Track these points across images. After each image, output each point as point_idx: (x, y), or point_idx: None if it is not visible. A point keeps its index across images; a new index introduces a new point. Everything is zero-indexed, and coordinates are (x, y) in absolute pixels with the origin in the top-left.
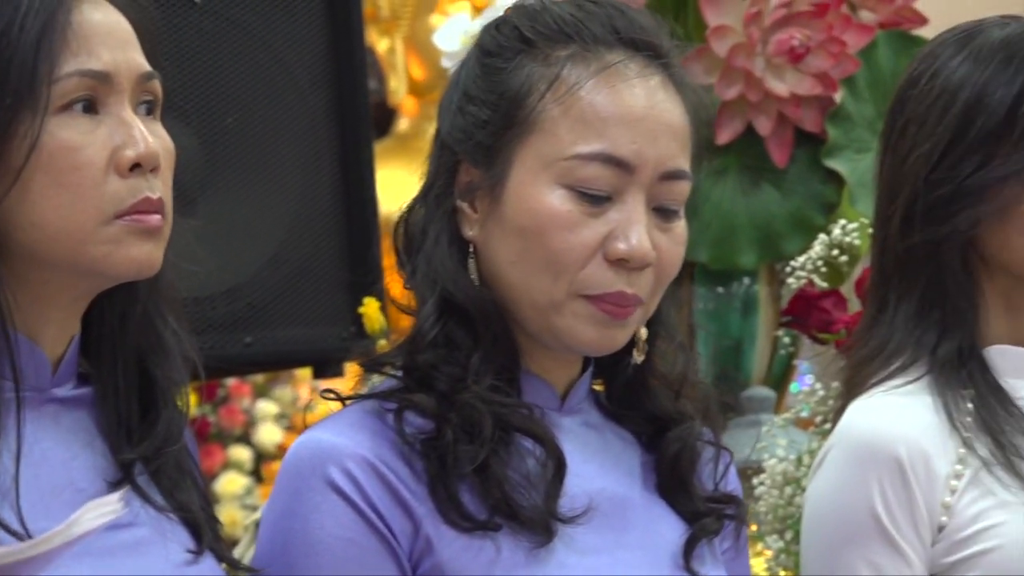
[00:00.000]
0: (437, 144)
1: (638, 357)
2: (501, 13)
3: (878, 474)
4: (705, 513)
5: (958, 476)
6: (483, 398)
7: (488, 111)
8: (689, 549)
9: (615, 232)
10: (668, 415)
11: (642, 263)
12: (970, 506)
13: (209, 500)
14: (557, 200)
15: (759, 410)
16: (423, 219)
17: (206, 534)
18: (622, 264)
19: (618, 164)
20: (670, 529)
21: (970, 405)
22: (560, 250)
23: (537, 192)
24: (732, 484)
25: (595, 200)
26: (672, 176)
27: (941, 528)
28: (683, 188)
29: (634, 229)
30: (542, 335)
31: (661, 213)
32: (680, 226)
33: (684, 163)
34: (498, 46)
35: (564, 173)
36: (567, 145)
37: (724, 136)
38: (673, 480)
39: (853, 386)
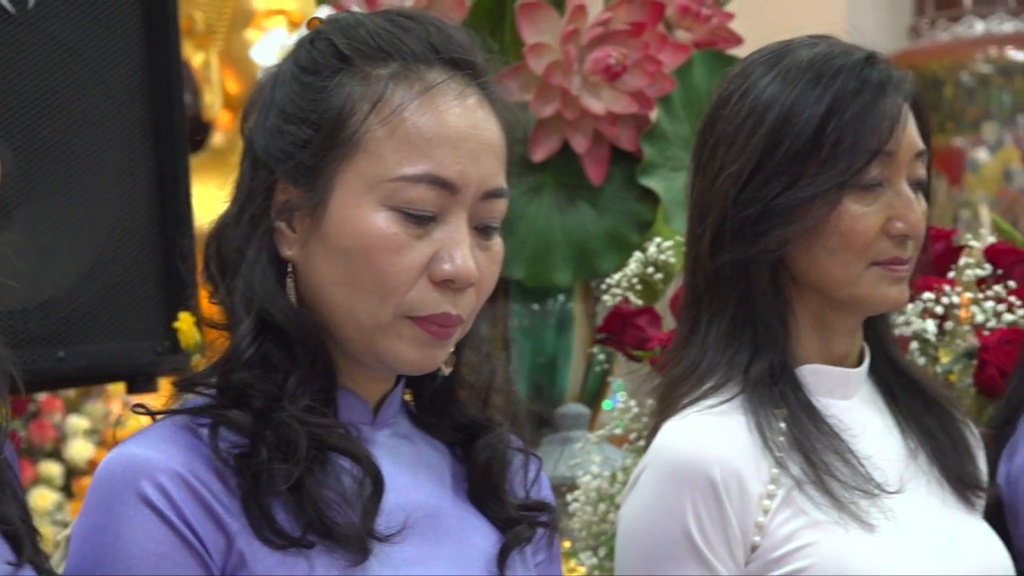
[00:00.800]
0: (249, 161)
1: (446, 369)
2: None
3: (691, 494)
4: (518, 520)
5: (771, 496)
6: (299, 418)
7: (309, 131)
8: (503, 557)
9: (440, 253)
10: (476, 423)
11: (466, 283)
12: (783, 525)
13: (29, 512)
14: (383, 222)
15: (573, 427)
16: (239, 238)
17: (26, 547)
18: (447, 285)
19: (443, 185)
20: (483, 538)
21: (782, 424)
22: (387, 273)
23: (362, 213)
24: (544, 491)
25: (420, 221)
26: (493, 195)
27: (754, 548)
28: (503, 206)
29: (459, 250)
30: (363, 355)
31: (481, 231)
32: (498, 243)
33: (503, 181)
34: (314, 63)
35: (389, 195)
36: (392, 167)
37: (540, 154)
38: (485, 488)
39: (666, 405)
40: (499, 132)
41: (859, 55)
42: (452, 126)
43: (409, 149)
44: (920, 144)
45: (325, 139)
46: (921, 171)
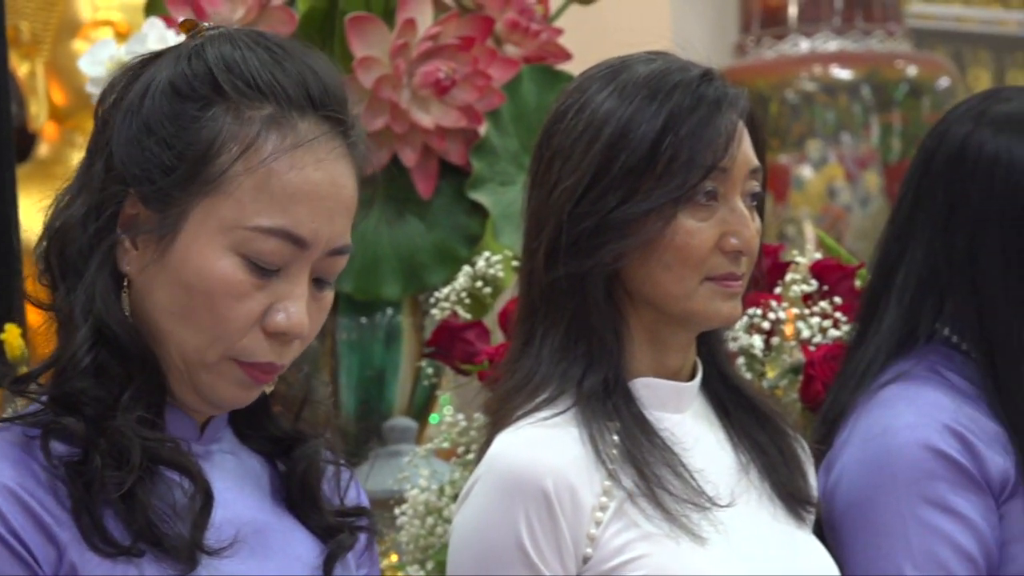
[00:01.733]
0: (103, 162)
1: (267, 388)
2: (146, 41)
3: (524, 506)
4: (338, 528)
5: (603, 508)
6: (132, 428)
7: (173, 159)
8: (328, 566)
9: (277, 305)
10: (290, 436)
11: (296, 337)
12: (615, 537)
13: None
14: (229, 267)
15: (401, 440)
16: (83, 243)
17: None
18: (278, 336)
19: (295, 242)
20: (307, 549)
21: (615, 437)
22: (225, 317)
23: (211, 254)
24: (360, 498)
25: (265, 272)
26: (339, 252)
27: (586, 559)
28: (344, 261)
29: (296, 305)
30: (180, 384)
31: (317, 283)
32: (329, 296)
33: (349, 237)
34: (190, 87)
35: (241, 242)
36: (250, 215)
37: (368, 167)
38: (303, 498)
39: (500, 418)
40: (354, 188)
41: (695, 72)
42: (315, 184)
43: (269, 201)
44: (755, 161)
45: (188, 172)
46: (756, 187)
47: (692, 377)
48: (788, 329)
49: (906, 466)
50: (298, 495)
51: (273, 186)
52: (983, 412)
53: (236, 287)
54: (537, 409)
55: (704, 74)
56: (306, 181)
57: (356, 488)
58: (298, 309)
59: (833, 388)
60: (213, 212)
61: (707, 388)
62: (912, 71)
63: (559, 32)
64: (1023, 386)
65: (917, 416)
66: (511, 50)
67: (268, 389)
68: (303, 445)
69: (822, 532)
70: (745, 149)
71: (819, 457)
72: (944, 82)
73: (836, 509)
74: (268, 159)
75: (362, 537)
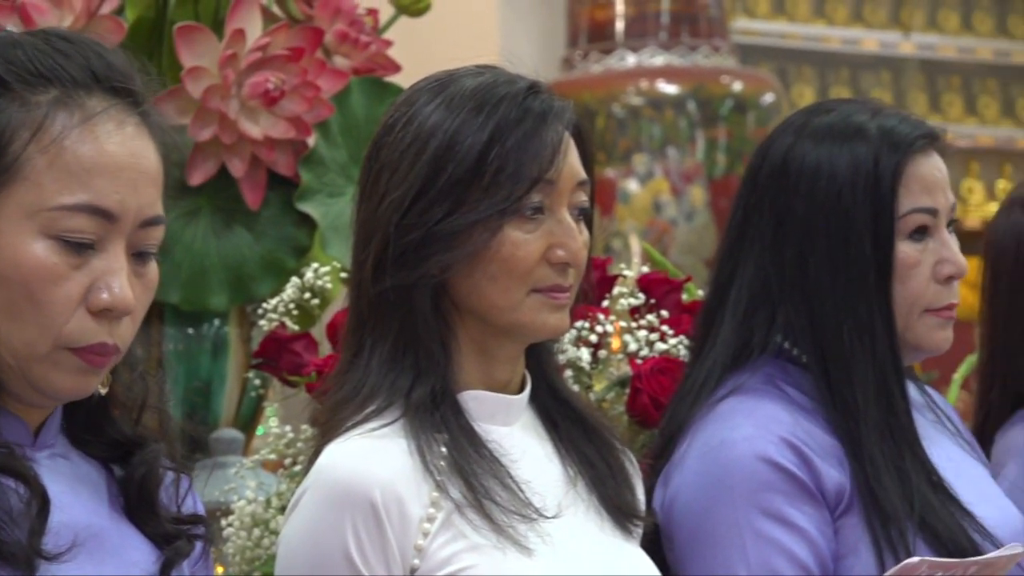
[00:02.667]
0: None
1: (102, 389)
2: None
3: (352, 517)
4: (175, 535)
5: (431, 519)
6: None
7: None
8: (165, 573)
9: (98, 283)
10: (130, 440)
11: (124, 312)
12: (442, 549)
13: None
14: (41, 252)
15: (228, 452)
16: None
17: None
18: (105, 314)
19: (102, 215)
20: (143, 555)
21: (443, 449)
22: (45, 303)
23: (21, 243)
24: (197, 506)
25: (79, 250)
26: (151, 223)
27: (414, 571)
28: (160, 232)
29: (116, 279)
30: (15, 382)
31: (138, 257)
32: (153, 269)
33: (160, 208)
34: None
35: (48, 224)
36: (52, 195)
37: (197, 177)
38: (141, 504)
39: (328, 429)
40: (157, 159)
41: (522, 84)
42: (111, 155)
43: (68, 178)
44: (582, 173)
45: None
46: (583, 200)
47: (521, 389)
48: (615, 342)
49: (743, 478)
50: (136, 501)
51: (69, 163)
52: (819, 425)
53: (52, 271)
54: (365, 420)
55: (531, 87)
56: (102, 153)
57: (193, 496)
58: (120, 283)
59: (671, 403)
60: (15, 200)
61: (536, 401)
62: (737, 86)
63: (388, 44)
64: (856, 393)
65: (754, 428)
66: (340, 62)
67: (103, 390)
68: (142, 450)
69: (653, 545)
70: (572, 161)
71: (657, 471)
72: (769, 98)
73: (674, 521)
74: (59, 137)
75: (198, 545)
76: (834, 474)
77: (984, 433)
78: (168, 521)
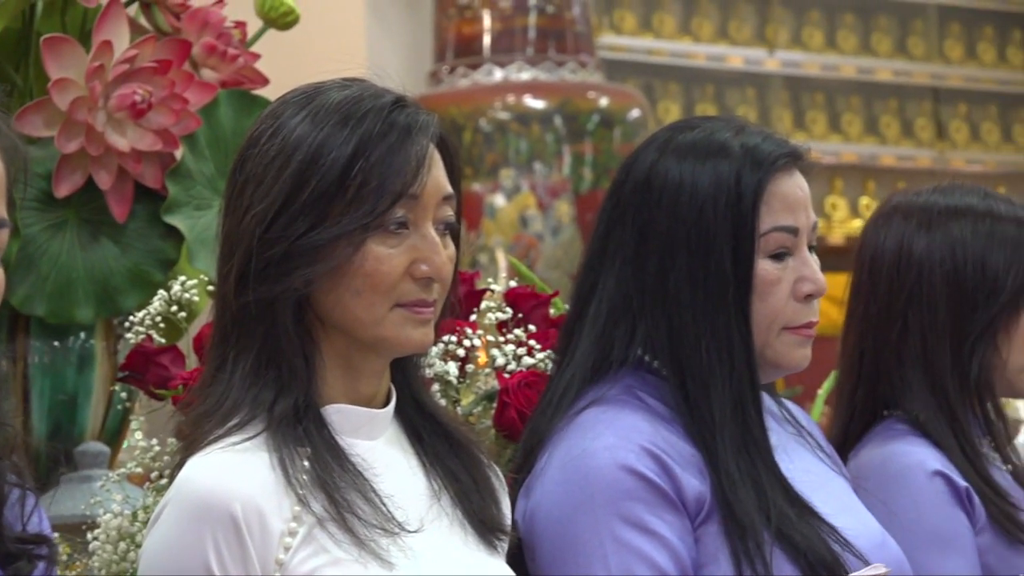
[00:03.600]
0: None
1: None
2: None
3: (213, 531)
4: (17, 555)
5: (292, 533)
6: None
7: None
8: None
9: None
10: None
11: None
12: (304, 563)
13: None
14: None
15: (93, 465)
16: None
17: None
18: None
19: None
20: None
21: (306, 463)
22: None
23: None
24: (43, 524)
25: None
26: None
27: None
28: (5, 236)
29: None
30: None
31: None
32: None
33: (4, 211)
34: None
35: None
36: None
37: (63, 189)
38: None
39: (191, 443)
40: (2, 166)
41: (388, 98)
42: None
43: None
44: (447, 188)
45: None
46: (449, 214)
47: (386, 403)
48: (482, 356)
49: (604, 487)
50: None
51: None
52: (679, 435)
53: None
54: (228, 434)
55: (396, 101)
56: None
57: (39, 514)
58: None
59: (532, 417)
60: None
61: (401, 415)
62: (604, 102)
63: (256, 57)
64: (713, 407)
65: (615, 438)
66: (208, 74)
67: None
68: None
69: (518, 559)
70: (437, 176)
71: (519, 484)
72: (635, 113)
73: (536, 532)
74: None
75: (41, 565)
76: (695, 483)
77: (848, 436)
78: (11, 540)
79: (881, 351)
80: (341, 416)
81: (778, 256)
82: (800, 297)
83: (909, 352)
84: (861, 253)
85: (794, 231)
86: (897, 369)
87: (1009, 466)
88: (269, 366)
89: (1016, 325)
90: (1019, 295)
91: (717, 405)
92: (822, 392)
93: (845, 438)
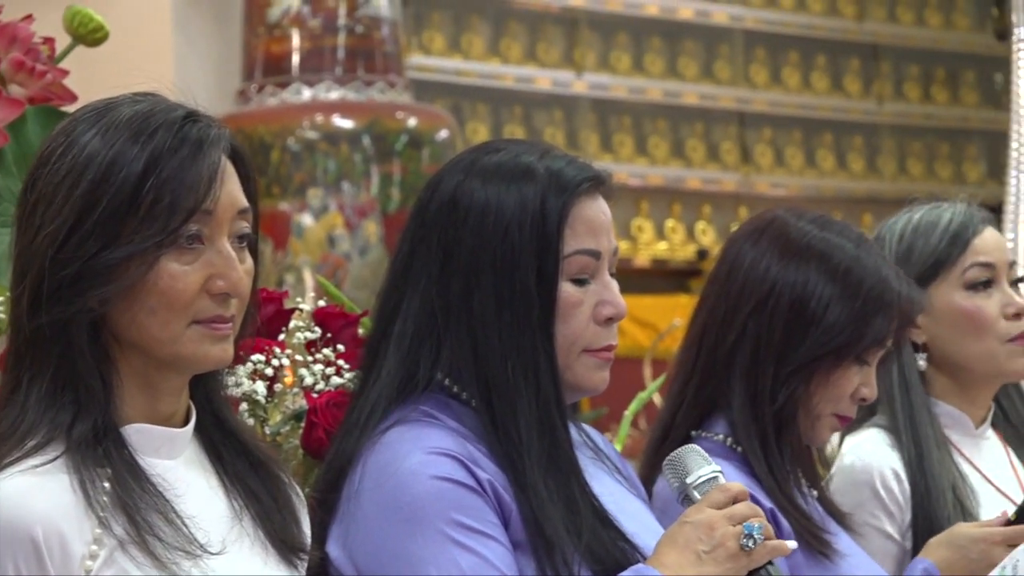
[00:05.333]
0: None
1: None
2: None
3: (13, 554)
4: None
5: (93, 556)
6: None
7: None
8: None
9: None
10: None
11: None
12: None
13: None
14: None
15: None
16: None
17: None
18: None
19: None
20: None
21: (107, 484)
22: None
23: None
24: None
25: None
26: None
27: None
28: None
29: None
30: None
31: None
32: None
33: None
34: None
35: None
36: None
37: None
38: None
39: None
40: None
41: (179, 112)
42: None
43: None
44: (242, 201)
45: None
46: (245, 227)
47: (186, 422)
48: (288, 376)
49: (429, 502)
50: None
51: None
52: (484, 455)
53: None
54: (26, 456)
55: (188, 115)
56: None
57: None
58: None
59: (337, 437)
60: None
61: (201, 433)
62: (412, 122)
63: (64, 73)
64: (520, 427)
65: (423, 453)
66: (16, 90)
67: None
68: None
69: None
70: (231, 190)
71: (328, 506)
72: (443, 134)
73: (360, 557)
74: None
75: None
76: (505, 497)
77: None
78: None
79: (717, 350)
80: (141, 436)
81: (580, 280)
82: (600, 320)
83: (739, 358)
84: (724, 257)
85: (596, 255)
86: (726, 371)
87: (815, 491)
88: (66, 388)
89: (834, 376)
90: (845, 350)
91: (524, 425)
92: (628, 413)
93: (664, 438)
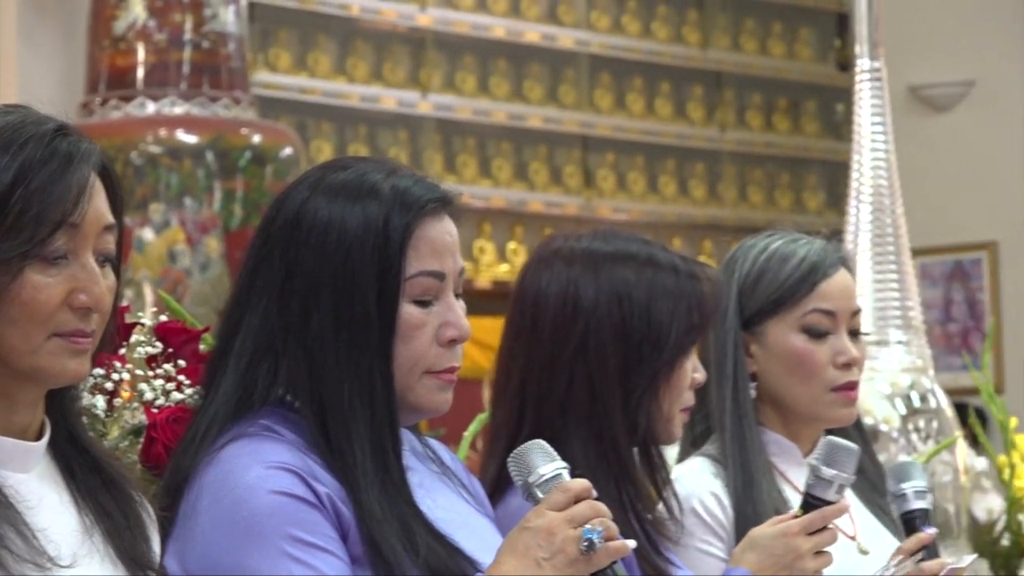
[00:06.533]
0: None
1: None
2: None
3: None
4: None
5: None
6: None
7: None
8: None
9: None
10: None
11: None
12: None
13: None
14: None
15: None
16: None
17: None
18: None
19: None
20: None
21: None
22: None
23: None
24: None
25: None
26: None
27: None
28: None
29: None
30: None
31: None
32: None
33: None
34: None
35: None
36: None
37: None
38: None
39: None
40: None
41: (50, 125)
42: None
43: None
44: (108, 217)
45: None
46: (110, 245)
47: (40, 435)
48: (126, 390)
49: (266, 516)
50: None
51: None
52: (323, 468)
53: None
54: None
55: (59, 128)
56: None
57: None
58: None
59: (176, 453)
60: None
61: (55, 448)
62: (256, 139)
63: None
64: (353, 449)
65: (261, 468)
66: None
67: None
68: None
69: None
70: (98, 205)
71: (166, 523)
72: (288, 151)
73: (198, 571)
74: None
75: None
76: (344, 510)
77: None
78: None
79: (545, 401)
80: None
81: (423, 301)
82: (444, 342)
83: (575, 404)
84: (521, 298)
85: (441, 276)
86: (560, 419)
87: (650, 515)
88: None
89: (676, 376)
90: (681, 348)
91: (358, 446)
92: (468, 434)
93: (498, 483)
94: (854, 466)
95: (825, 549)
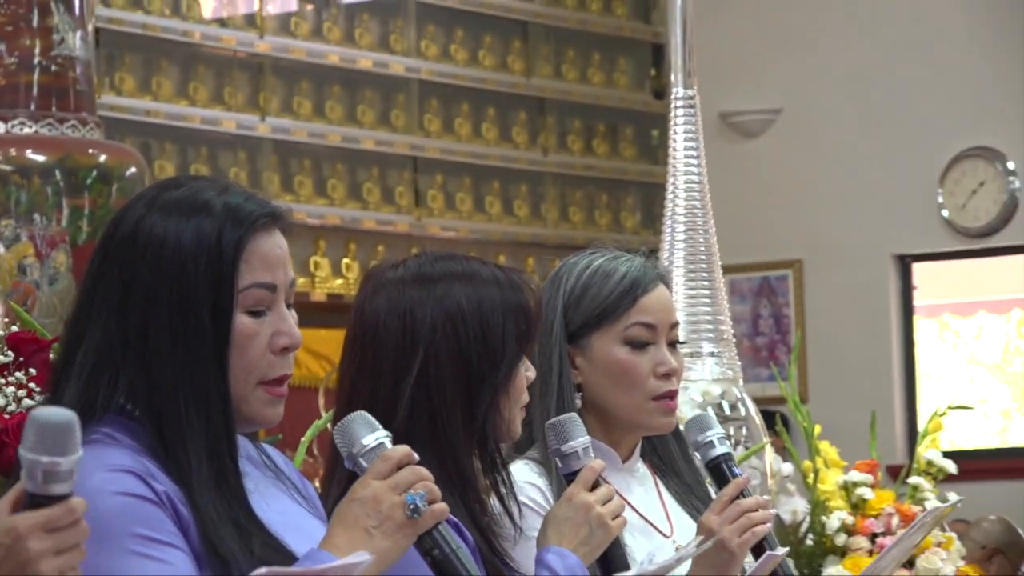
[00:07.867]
0: None
1: None
2: None
3: None
4: None
5: None
6: None
7: None
8: None
9: None
10: None
11: None
12: None
13: None
14: None
15: None
16: None
17: None
18: None
19: None
20: None
21: None
22: None
23: None
24: None
25: None
26: None
27: None
28: None
29: None
30: None
31: None
32: None
33: None
34: None
35: None
36: None
37: None
38: None
39: None
40: None
41: None
42: None
43: None
44: None
45: None
46: None
47: None
48: None
49: (112, 518)
50: None
51: None
52: (160, 470)
53: None
54: None
55: None
56: None
57: None
58: None
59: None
60: None
61: None
62: (102, 158)
63: None
64: (189, 455)
65: (104, 471)
66: None
67: None
68: None
69: None
70: None
71: None
72: (132, 170)
73: None
74: None
75: None
76: (182, 510)
77: None
78: None
79: (387, 428)
80: None
81: (256, 312)
82: (276, 350)
83: (418, 430)
84: (359, 327)
85: (272, 287)
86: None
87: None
88: None
89: (513, 384)
90: (515, 359)
91: (194, 452)
92: (304, 440)
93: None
94: (581, 428)
95: (619, 518)
